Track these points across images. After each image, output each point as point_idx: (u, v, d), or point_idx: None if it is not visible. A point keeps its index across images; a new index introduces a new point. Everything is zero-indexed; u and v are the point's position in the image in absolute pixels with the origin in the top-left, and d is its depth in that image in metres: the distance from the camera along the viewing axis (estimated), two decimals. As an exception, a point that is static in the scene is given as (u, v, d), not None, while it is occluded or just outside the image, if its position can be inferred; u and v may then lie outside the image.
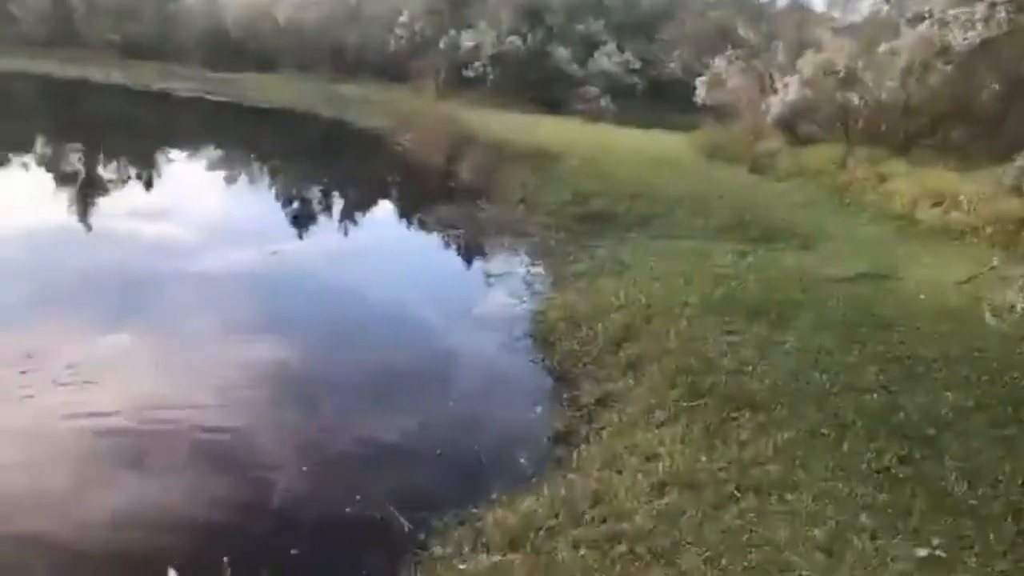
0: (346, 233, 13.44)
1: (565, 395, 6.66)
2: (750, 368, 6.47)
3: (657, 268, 9.84)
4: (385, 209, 16.66)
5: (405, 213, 16.06)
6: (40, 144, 20.13)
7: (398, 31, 35.57)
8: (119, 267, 9.45)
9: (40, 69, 33.74)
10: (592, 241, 11.89)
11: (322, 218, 14.59)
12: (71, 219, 12.11)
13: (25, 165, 16.93)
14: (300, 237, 12.62)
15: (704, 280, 9.05)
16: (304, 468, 5.37)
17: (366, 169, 21.22)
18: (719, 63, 24.09)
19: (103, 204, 13.59)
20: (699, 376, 6.25)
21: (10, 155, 17.29)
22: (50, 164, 17.82)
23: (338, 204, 16.31)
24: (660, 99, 33.52)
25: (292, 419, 6.09)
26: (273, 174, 19.12)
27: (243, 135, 26.33)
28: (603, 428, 5.82)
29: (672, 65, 35.24)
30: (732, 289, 8.66)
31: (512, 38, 33.31)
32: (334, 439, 5.88)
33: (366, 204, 16.44)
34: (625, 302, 8.32)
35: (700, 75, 25.16)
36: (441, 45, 33.31)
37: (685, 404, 5.82)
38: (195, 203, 14.69)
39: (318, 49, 37.53)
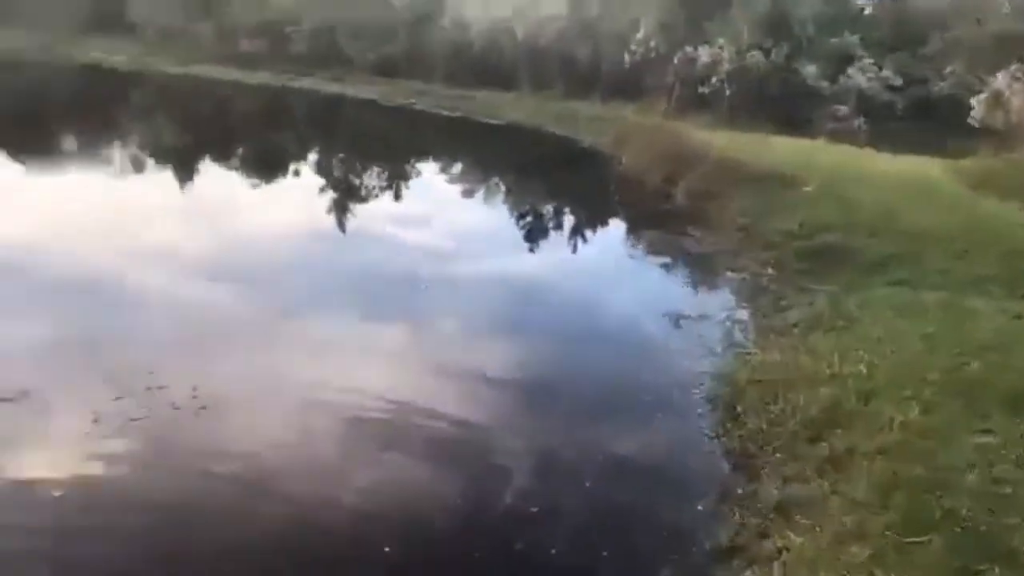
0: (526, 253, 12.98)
1: (740, 491, 5.20)
2: (1008, 491, 4.62)
3: (892, 326, 7.90)
4: (593, 232, 15.59)
5: (612, 238, 15.09)
6: (304, 153, 22.98)
7: (633, 47, 34.47)
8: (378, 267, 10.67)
9: (305, 86, 37.37)
10: (814, 283, 10.02)
11: (525, 236, 14.43)
12: (332, 222, 13.59)
13: (298, 172, 19.35)
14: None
15: (954, 348, 7.01)
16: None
17: (583, 187, 20.38)
18: (1001, 79, 20.43)
19: (359, 210, 14.88)
20: (927, 495, 4.53)
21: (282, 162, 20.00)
22: (317, 171, 20.10)
23: (545, 224, 15.90)
24: (926, 120, 29.34)
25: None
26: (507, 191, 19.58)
27: (475, 150, 26.81)
28: (780, 552, 4.34)
29: (942, 83, 30.84)
30: (993, 365, 6.57)
31: (753, 53, 30.95)
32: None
33: (576, 227, 15.56)
34: (840, 370, 6.60)
35: (978, 93, 21.51)
36: (675, 61, 31.72)
37: (899, 538, 4.17)
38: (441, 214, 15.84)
39: (552, 66, 37.50)
